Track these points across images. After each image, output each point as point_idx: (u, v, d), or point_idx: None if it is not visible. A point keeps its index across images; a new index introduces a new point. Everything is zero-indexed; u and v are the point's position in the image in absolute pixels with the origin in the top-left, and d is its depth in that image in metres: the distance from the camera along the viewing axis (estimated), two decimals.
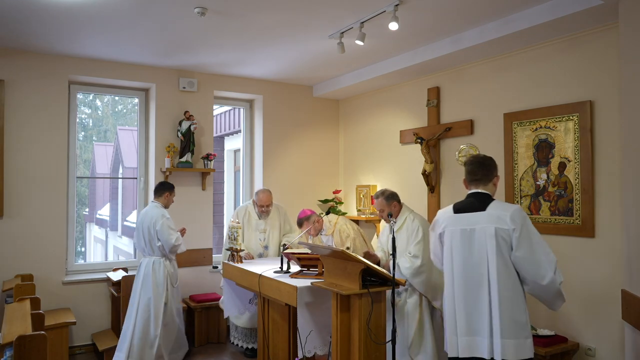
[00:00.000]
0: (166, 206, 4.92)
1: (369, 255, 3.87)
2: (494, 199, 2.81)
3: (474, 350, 2.67)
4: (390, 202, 3.98)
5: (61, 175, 5.22)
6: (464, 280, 2.74)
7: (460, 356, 2.71)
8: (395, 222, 3.44)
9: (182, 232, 4.91)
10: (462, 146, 4.66)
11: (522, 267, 2.64)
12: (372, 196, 6.03)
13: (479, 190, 2.84)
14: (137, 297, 4.65)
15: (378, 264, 3.85)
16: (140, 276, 4.69)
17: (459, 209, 2.85)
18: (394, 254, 3.35)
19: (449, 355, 2.81)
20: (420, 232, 3.84)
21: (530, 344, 2.65)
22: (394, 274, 3.27)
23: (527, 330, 2.65)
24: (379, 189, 6.07)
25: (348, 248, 4.61)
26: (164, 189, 4.92)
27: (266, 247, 5.08)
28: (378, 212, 4.05)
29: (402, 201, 4.09)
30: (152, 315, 4.62)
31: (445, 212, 2.94)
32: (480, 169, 2.85)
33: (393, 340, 3.24)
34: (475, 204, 2.79)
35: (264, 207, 5.05)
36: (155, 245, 4.70)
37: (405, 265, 3.77)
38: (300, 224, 4.73)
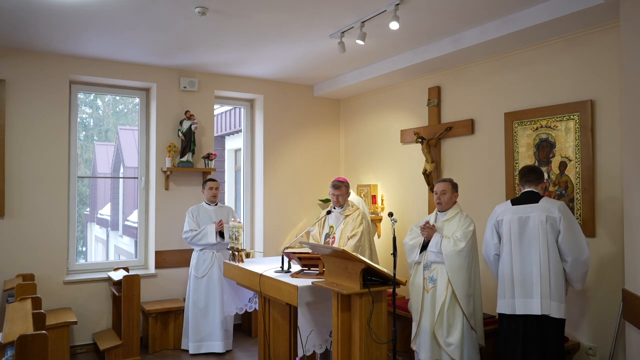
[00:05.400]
0: (207, 201, 5.39)
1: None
2: (543, 196, 3.52)
3: (529, 308, 3.42)
4: (454, 190, 4.00)
5: (62, 174, 5.23)
6: (520, 256, 3.48)
7: (517, 313, 3.46)
8: (396, 221, 3.45)
9: (218, 224, 5.20)
10: None
11: (567, 246, 3.36)
12: (374, 196, 6.05)
13: (532, 189, 3.56)
14: None
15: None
16: None
17: (516, 201, 3.59)
18: (394, 254, 3.35)
19: (505, 313, 3.54)
20: (472, 227, 3.84)
21: (564, 308, 3.39)
22: (394, 274, 3.27)
23: (564, 297, 3.39)
24: (380, 188, 6.09)
25: (353, 236, 4.42)
26: None
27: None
28: (438, 192, 4.00)
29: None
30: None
31: (503, 205, 3.68)
32: (533, 173, 3.60)
33: (394, 340, 3.25)
34: (530, 198, 3.52)
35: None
36: None
37: (449, 245, 3.77)
38: (338, 186, 4.56)
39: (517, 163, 4.47)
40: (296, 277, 3.81)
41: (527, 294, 3.43)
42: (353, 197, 5.47)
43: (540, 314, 3.37)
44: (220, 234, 5.21)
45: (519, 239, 3.49)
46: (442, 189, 4.00)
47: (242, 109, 6.65)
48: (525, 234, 3.47)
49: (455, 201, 4.02)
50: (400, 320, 4.81)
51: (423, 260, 3.97)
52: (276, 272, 4.05)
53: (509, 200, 3.68)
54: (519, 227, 3.49)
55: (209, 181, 5.43)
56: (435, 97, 5.33)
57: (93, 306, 5.34)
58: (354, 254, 3.25)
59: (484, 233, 3.81)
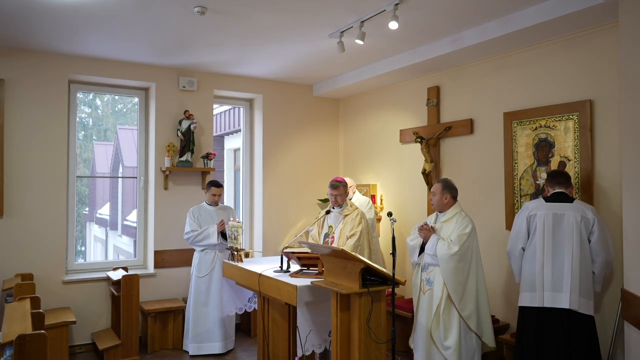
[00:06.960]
0: (208, 202, 5.34)
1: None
2: (574, 198, 3.70)
3: (557, 302, 3.52)
4: (444, 191, 3.96)
5: (61, 174, 5.22)
6: (552, 250, 3.58)
7: (545, 306, 3.57)
8: (395, 221, 3.45)
9: (220, 225, 5.16)
10: None
11: (599, 247, 3.52)
12: (373, 195, 6.05)
13: (562, 190, 3.68)
14: None
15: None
16: None
17: (550, 199, 3.69)
18: (394, 253, 3.35)
19: (532, 305, 3.62)
20: (469, 229, 3.82)
21: (592, 305, 3.51)
22: (394, 274, 3.27)
23: (592, 294, 3.53)
24: (379, 188, 6.09)
25: (352, 235, 4.40)
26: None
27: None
28: (431, 194, 4.07)
29: (456, 200, 4.05)
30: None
31: (535, 201, 3.76)
32: (562, 176, 3.74)
33: (393, 340, 3.25)
34: (563, 198, 3.66)
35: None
36: None
37: (443, 248, 3.77)
38: (336, 186, 4.52)
39: (516, 163, 4.47)
40: (295, 277, 3.81)
41: (556, 288, 3.53)
42: (361, 199, 5.46)
43: (568, 307, 3.46)
44: (222, 234, 5.19)
45: (552, 234, 3.58)
46: (432, 190, 4.05)
47: (241, 109, 6.65)
48: (559, 231, 3.57)
49: (448, 202, 3.97)
50: (400, 320, 4.81)
51: (421, 261, 3.97)
52: (275, 271, 4.05)
53: (541, 197, 3.77)
54: (554, 223, 3.59)
55: (214, 187, 5.26)
56: (434, 96, 5.33)
57: (92, 306, 5.34)
58: (353, 253, 3.25)
59: (513, 226, 3.83)
